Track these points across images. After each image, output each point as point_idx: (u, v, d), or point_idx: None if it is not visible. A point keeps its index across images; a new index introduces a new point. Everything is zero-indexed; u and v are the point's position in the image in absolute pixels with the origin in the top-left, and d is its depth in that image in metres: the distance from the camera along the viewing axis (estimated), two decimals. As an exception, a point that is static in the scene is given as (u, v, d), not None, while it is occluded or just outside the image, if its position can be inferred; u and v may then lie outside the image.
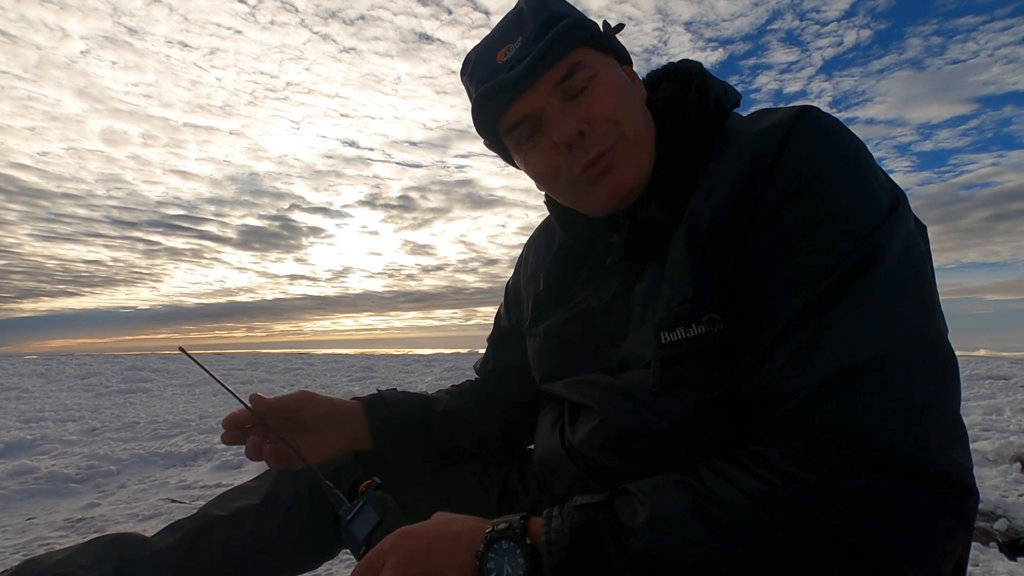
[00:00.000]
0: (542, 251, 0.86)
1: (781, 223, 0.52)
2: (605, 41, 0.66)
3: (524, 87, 0.62)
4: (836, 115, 0.56)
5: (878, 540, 0.42)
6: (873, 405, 0.45)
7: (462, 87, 0.72)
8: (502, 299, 0.97)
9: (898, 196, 0.54)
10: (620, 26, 0.69)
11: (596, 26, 0.66)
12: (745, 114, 0.65)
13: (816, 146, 0.53)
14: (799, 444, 0.46)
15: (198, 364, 0.75)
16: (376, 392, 0.87)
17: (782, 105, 0.64)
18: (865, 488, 0.43)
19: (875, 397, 0.45)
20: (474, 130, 0.70)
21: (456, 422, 0.89)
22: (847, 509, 0.43)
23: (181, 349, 0.75)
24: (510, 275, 0.97)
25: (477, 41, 0.70)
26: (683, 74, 0.69)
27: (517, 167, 0.73)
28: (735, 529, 0.45)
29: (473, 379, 1.01)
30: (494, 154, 0.75)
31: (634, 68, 0.71)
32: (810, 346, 0.48)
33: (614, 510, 0.50)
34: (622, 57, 0.69)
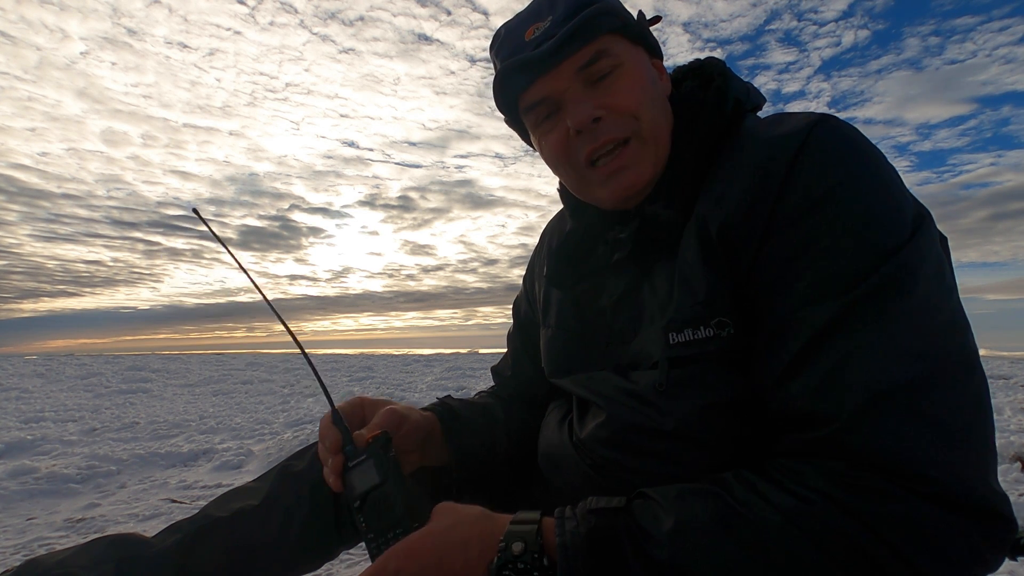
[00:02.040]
0: (555, 241, 0.84)
1: (799, 233, 0.50)
2: (636, 31, 0.65)
3: (547, 67, 0.61)
4: (835, 115, 0.55)
5: (916, 567, 0.42)
6: (914, 430, 0.44)
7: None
8: (520, 290, 0.96)
9: (922, 212, 0.52)
10: (656, 18, 0.68)
11: (629, 15, 0.65)
12: (765, 116, 0.64)
13: (834, 156, 0.51)
14: (838, 464, 0.45)
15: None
16: (444, 403, 0.81)
17: (784, 106, 0.63)
18: (907, 515, 0.42)
19: (915, 422, 0.44)
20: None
21: (517, 433, 0.85)
22: (887, 534, 0.42)
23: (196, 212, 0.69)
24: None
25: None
26: (707, 72, 0.69)
27: (534, 148, 0.72)
28: (766, 546, 0.44)
29: (506, 381, 0.96)
30: (513, 132, 0.74)
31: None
32: (842, 365, 0.46)
33: (634, 516, 0.49)
34: (652, 50, 0.68)
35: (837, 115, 0.55)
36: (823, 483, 0.45)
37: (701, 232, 0.56)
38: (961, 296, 0.52)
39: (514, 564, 0.48)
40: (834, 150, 0.52)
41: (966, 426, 0.45)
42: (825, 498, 0.44)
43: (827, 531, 0.43)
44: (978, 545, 0.43)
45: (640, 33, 0.66)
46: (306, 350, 0.69)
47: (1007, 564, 1.50)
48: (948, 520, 0.42)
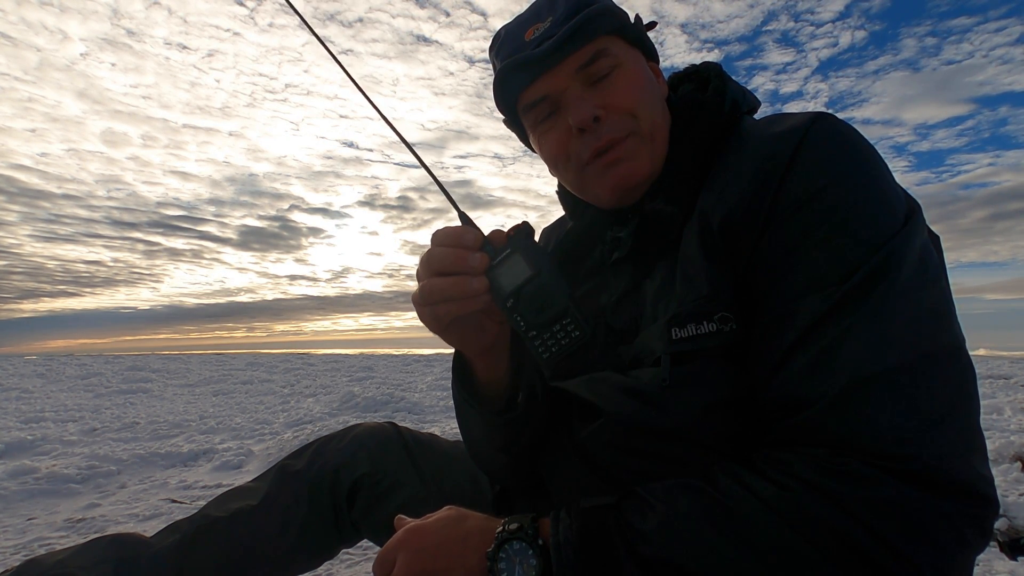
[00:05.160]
0: (554, 242, 0.85)
1: (796, 226, 0.51)
2: (633, 33, 0.66)
3: (547, 66, 0.62)
4: (832, 113, 0.56)
5: (898, 550, 0.42)
6: (895, 414, 0.44)
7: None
8: None
9: (913, 207, 0.54)
10: (652, 24, 0.69)
11: (627, 17, 0.67)
12: (759, 118, 0.65)
13: (832, 152, 0.53)
14: (821, 451, 0.46)
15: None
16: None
17: (782, 106, 0.64)
18: (887, 498, 0.43)
19: (896, 406, 0.45)
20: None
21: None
22: (868, 519, 0.43)
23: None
24: None
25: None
26: (703, 75, 0.70)
27: (532, 149, 0.73)
28: (749, 535, 0.45)
29: None
30: (511, 133, 0.75)
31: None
32: (829, 353, 0.47)
33: (624, 513, 0.50)
34: (649, 52, 0.69)
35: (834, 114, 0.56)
36: (804, 470, 0.45)
37: (703, 227, 0.57)
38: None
39: (510, 544, 0.50)
40: (831, 146, 0.53)
41: (949, 409, 0.45)
42: (805, 485, 0.45)
43: (808, 517, 0.44)
44: (962, 527, 0.43)
45: (637, 36, 0.67)
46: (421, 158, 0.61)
47: (1007, 564, 1.50)
48: (929, 502, 0.43)
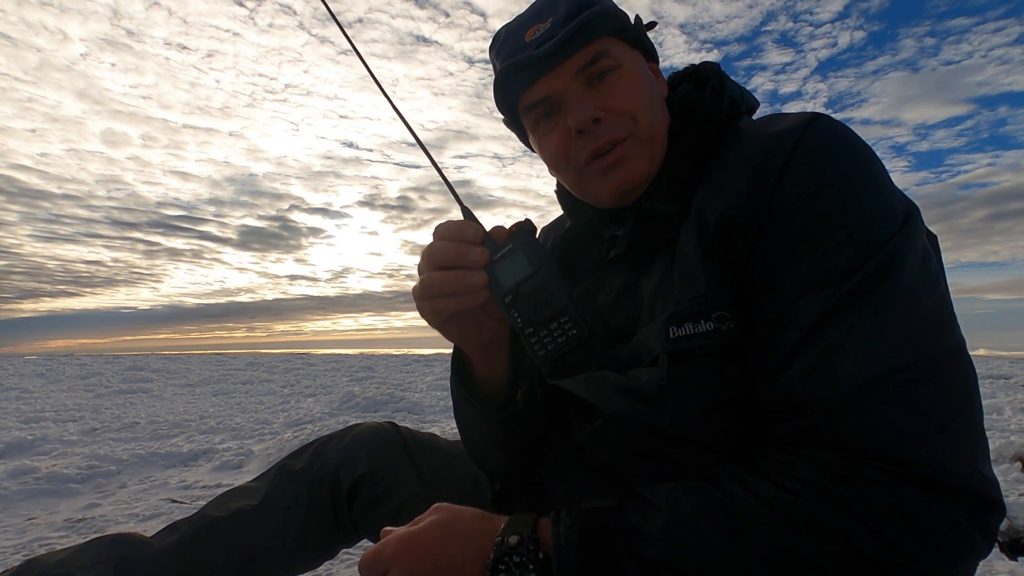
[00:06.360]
0: (552, 241, 0.85)
1: (795, 226, 0.51)
2: (634, 34, 0.66)
3: (548, 67, 0.63)
4: (832, 116, 0.56)
5: (904, 553, 0.42)
6: (899, 417, 0.44)
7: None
8: None
9: (911, 207, 0.53)
10: (652, 24, 0.69)
11: (627, 18, 0.67)
12: (759, 117, 0.65)
13: (829, 152, 0.53)
14: (826, 455, 0.46)
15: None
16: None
17: (781, 107, 0.64)
18: (893, 501, 0.43)
19: (901, 408, 0.45)
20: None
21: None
22: (873, 522, 0.42)
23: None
24: None
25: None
26: (702, 75, 0.70)
27: (532, 149, 0.73)
28: (753, 538, 0.45)
29: None
30: (511, 133, 0.75)
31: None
32: (832, 355, 0.47)
33: (626, 514, 0.50)
34: (649, 54, 0.69)
35: (832, 115, 0.56)
36: (810, 473, 0.45)
37: (699, 226, 0.57)
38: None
39: (510, 556, 0.49)
40: (828, 146, 0.53)
41: (953, 412, 0.45)
42: (812, 488, 0.45)
43: (814, 521, 0.44)
44: (967, 530, 0.43)
45: (638, 36, 0.67)
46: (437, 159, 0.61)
47: (1007, 564, 1.50)
48: (935, 505, 0.43)
